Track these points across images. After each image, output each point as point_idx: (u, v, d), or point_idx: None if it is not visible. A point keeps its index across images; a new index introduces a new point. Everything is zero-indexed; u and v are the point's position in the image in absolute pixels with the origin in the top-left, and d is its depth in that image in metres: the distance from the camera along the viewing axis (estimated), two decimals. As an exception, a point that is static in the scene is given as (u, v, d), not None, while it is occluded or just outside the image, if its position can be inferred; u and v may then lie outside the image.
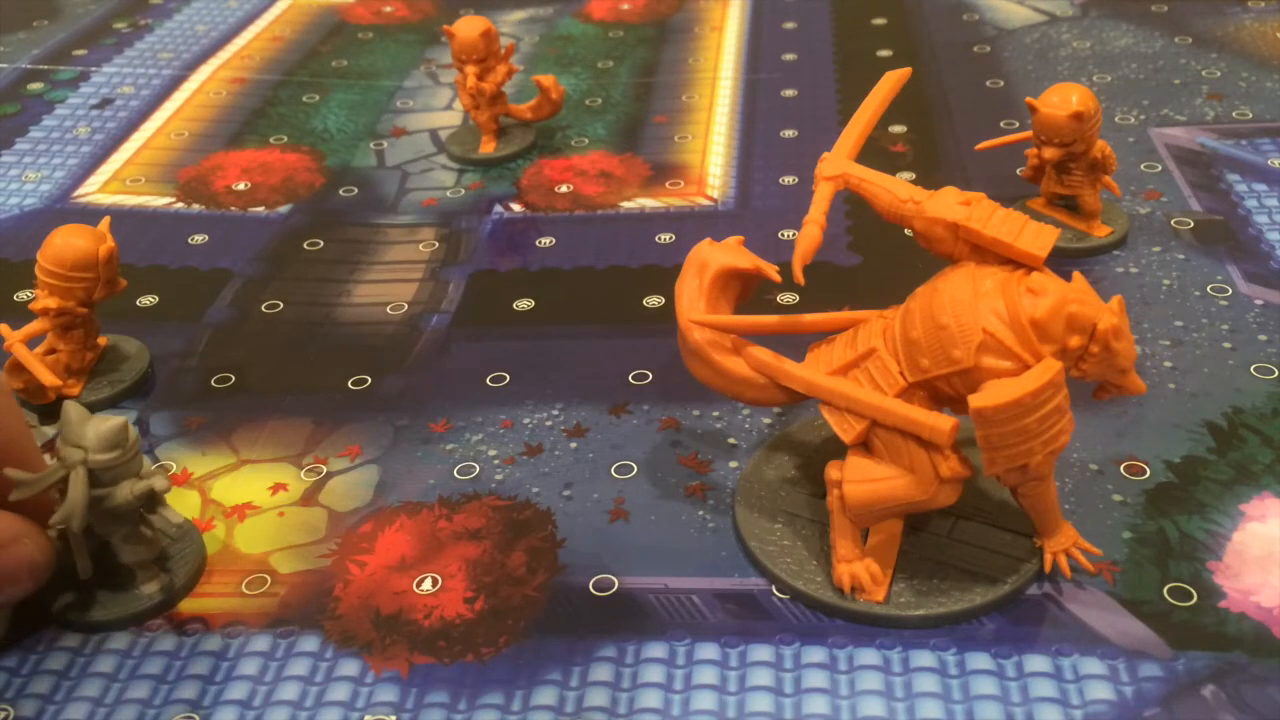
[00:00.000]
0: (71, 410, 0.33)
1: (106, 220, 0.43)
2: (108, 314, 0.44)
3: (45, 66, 0.70)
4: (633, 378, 0.43)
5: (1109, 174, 0.47)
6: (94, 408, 0.43)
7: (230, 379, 0.44)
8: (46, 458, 0.35)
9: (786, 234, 0.51)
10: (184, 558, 0.36)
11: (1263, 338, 0.42)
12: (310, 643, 0.33)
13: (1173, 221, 0.49)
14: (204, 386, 0.44)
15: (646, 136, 0.59)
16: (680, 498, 0.37)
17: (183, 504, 0.38)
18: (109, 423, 0.33)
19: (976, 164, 0.54)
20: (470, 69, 0.56)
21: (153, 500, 0.33)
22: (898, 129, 0.58)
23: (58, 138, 0.62)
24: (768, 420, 0.40)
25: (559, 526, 0.37)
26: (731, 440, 0.39)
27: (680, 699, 0.31)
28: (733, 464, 0.38)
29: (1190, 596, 0.33)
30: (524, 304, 0.47)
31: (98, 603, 0.35)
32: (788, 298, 0.46)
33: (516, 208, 0.54)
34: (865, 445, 0.32)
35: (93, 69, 0.70)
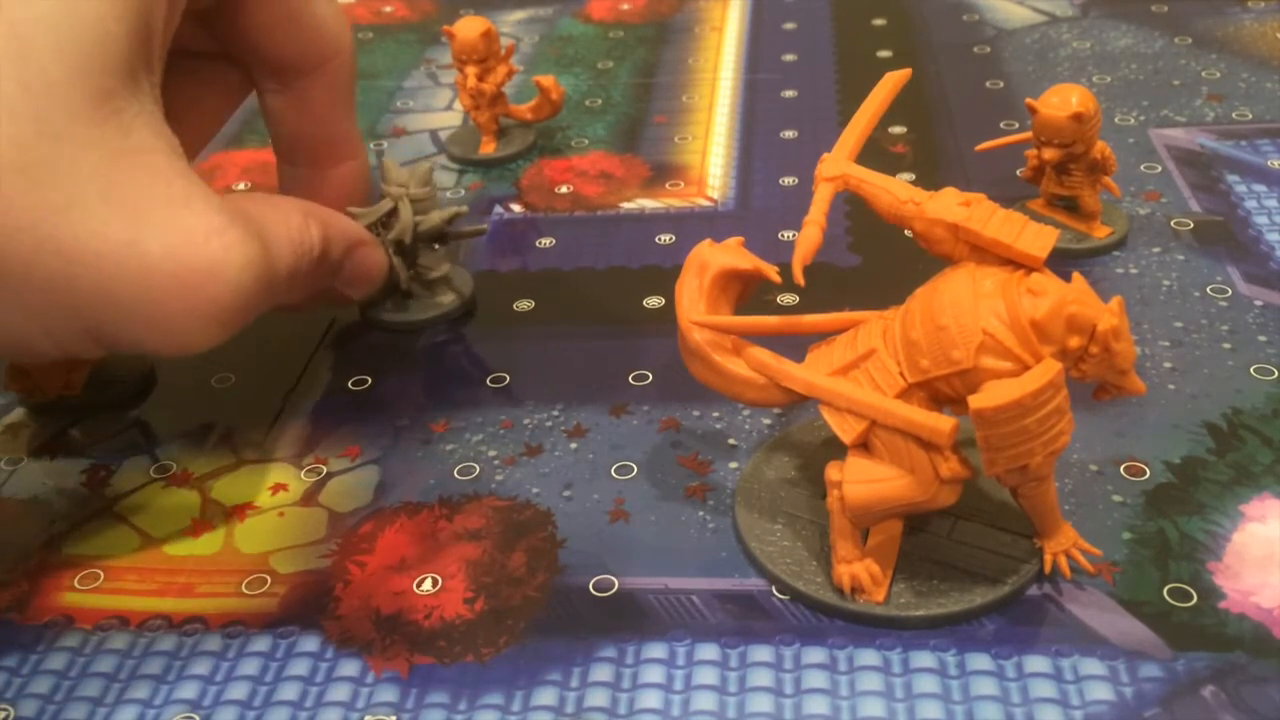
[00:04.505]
0: (389, 163, 0.44)
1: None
2: (108, 314, 0.44)
3: (45, 66, 0.70)
4: (633, 378, 0.43)
5: (1109, 175, 0.47)
6: (95, 407, 0.43)
7: (230, 379, 0.44)
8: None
9: (787, 235, 0.51)
10: (461, 281, 0.47)
11: (1262, 338, 0.42)
12: (310, 643, 0.33)
13: (1172, 222, 0.49)
14: (204, 386, 0.44)
15: (646, 137, 0.59)
16: (680, 498, 0.37)
17: (183, 504, 0.38)
18: (421, 166, 0.44)
19: (976, 165, 0.54)
20: (470, 69, 0.56)
21: (456, 221, 0.44)
22: (898, 130, 0.58)
23: (58, 138, 0.62)
24: (768, 421, 0.40)
25: (559, 527, 0.37)
26: (731, 441, 0.39)
27: (680, 699, 0.31)
28: (733, 464, 0.38)
29: (1190, 597, 0.33)
30: (524, 304, 0.47)
31: (410, 309, 0.46)
32: (788, 298, 0.46)
33: (516, 208, 0.54)
34: (865, 446, 0.32)
35: (93, 69, 0.69)
